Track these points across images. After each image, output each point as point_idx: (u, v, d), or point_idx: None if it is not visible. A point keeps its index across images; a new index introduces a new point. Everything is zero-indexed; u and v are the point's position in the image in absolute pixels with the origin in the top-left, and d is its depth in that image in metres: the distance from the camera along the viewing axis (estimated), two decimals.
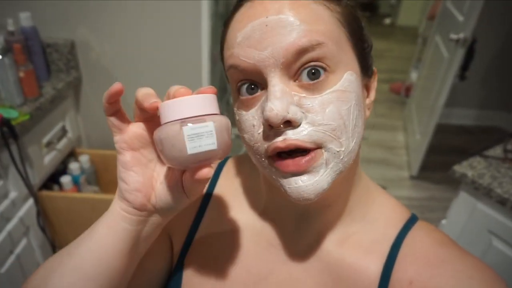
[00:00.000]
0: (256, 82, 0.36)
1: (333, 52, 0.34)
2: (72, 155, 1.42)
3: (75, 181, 1.33)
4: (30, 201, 1.14)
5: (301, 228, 0.45)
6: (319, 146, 0.34)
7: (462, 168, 1.12)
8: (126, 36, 1.32)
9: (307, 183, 0.34)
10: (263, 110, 0.34)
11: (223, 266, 0.47)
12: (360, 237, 0.44)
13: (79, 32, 1.30)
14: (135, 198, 0.35)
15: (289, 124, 0.34)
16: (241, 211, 0.49)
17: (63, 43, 1.29)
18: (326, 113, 0.34)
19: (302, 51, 0.33)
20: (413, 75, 3.26)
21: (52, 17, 1.27)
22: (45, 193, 1.21)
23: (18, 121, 1.01)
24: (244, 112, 0.37)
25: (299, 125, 0.34)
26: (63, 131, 1.33)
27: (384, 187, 0.49)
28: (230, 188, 0.51)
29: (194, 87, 1.27)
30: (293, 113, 0.33)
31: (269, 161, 0.36)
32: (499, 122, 3.11)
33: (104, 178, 1.46)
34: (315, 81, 0.34)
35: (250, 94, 0.36)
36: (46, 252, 1.22)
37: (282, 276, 0.45)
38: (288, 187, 0.35)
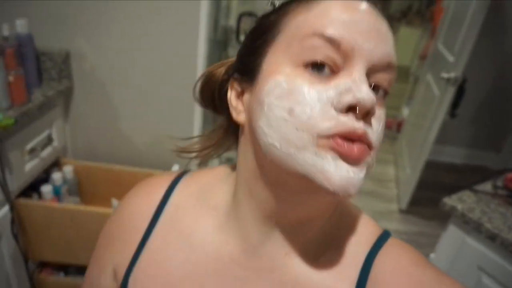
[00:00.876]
0: (330, 63, 0.33)
1: (394, 80, 0.37)
2: (56, 164, 1.38)
3: (56, 192, 1.29)
4: (6, 208, 1.09)
5: (268, 244, 0.41)
6: (371, 148, 0.34)
7: (452, 201, 1.10)
8: (121, 49, 1.32)
9: (356, 176, 0.33)
10: (341, 92, 0.33)
11: (173, 283, 0.43)
12: (329, 260, 0.41)
13: (75, 42, 1.30)
14: None
15: (368, 116, 0.33)
16: (201, 227, 0.45)
17: (57, 52, 1.28)
18: (380, 125, 0.35)
19: (388, 67, 0.35)
20: (405, 112, 3.32)
21: (49, 26, 1.27)
22: (22, 201, 1.16)
23: (1, 125, 0.98)
24: (307, 85, 0.33)
25: (370, 122, 0.34)
26: (49, 139, 1.29)
27: None
28: (186, 204, 0.47)
29: (187, 102, 1.28)
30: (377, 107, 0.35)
31: (321, 142, 0.32)
32: (487, 162, 3.15)
33: (86, 190, 1.41)
34: (377, 95, 0.36)
35: (318, 72, 0.33)
36: (16, 262, 1.15)
37: None
38: (339, 174, 0.32)
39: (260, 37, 0.39)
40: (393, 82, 0.37)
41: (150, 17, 1.28)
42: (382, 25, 0.35)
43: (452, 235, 1.13)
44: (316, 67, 0.33)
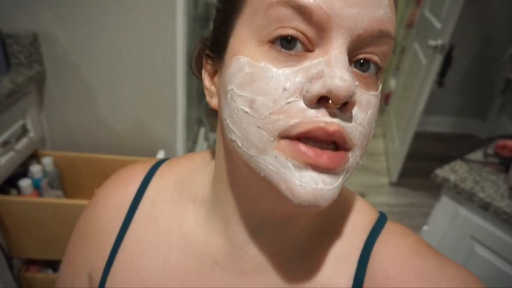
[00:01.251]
0: (303, 37, 0.27)
1: (390, 52, 0.30)
2: (34, 157, 1.31)
3: (36, 185, 1.23)
4: None
5: (253, 243, 0.37)
6: (350, 148, 0.28)
7: (444, 172, 1.09)
8: (95, 28, 1.23)
9: (328, 187, 0.27)
10: (312, 77, 0.26)
11: (152, 285, 0.39)
12: (323, 254, 0.37)
13: (43, 22, 1.21)
14: None
15: (345, 107, 0.27)
16: (177, 224, 0.40)
17: (24, 34, 1.19)
18: (368, 115, 0.29)
19: (379, 35, 0.28)
20: (392, 83, 3.29)
21: (13, 6, 1.18)
22: (0, 197, 1.10)
23: None
24: (273, 68, 0.27)
25: (350, 114, 0.28)
26: (24, 130, 1.22)
27: (363, 194, 0.43)
28: (163, 198, 0.42)
29: (168, 82, 1.20)
30: (356, 96, 0.27)
31: (282, 144, 0.27)
32: (474, 130, 3.17)
33: (68, 182, 1.35)
34: (367, 73, 0.29)
35: (287, 48, 0.27)
36: (0, 260, 1.11)
37: None
38: (304, 184, 0.27)
39: (229, 2, 0.32)
40: (389, 54, 0.30)
41: None
42: None
43: (444, 206, 1.12)
44: (285, 42, 0.27)
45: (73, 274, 0.44)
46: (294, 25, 0.27)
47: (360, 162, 0.30)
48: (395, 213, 2.22)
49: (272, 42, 0.28)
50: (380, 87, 0.31)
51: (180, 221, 0.41)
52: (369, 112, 0.29)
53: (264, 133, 0.27)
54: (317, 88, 0.26)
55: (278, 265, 0.37)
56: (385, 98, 3.37)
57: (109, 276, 0.40)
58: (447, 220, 1.12)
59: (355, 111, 0.28)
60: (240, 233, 0.37)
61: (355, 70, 0.29)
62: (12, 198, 1.12)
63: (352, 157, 0.29)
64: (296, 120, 0.26)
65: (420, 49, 2.38)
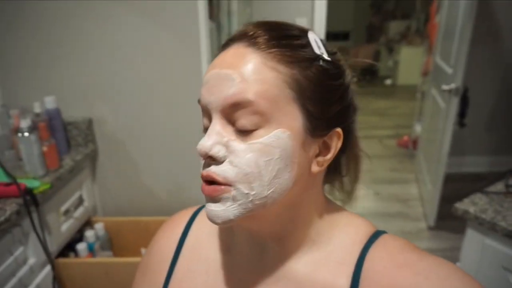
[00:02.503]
0: (210, 120, 0.43)
1: (263, 111, 0.39)
2: (88, 223, 1.49)
3: (90, 248, 1.38)
4: (47, 268, 1.18)
5: (265, 259, 0.48)
6: (229, 183, 0.40)
7: (464, 205, 1.13)
8: (136, 110, 1.47)
9: (215, 209, 0.41)
10: None
11: None
12: (326, 262, 0.46)
13: (96, 109, 1.46)
14: None
15: (213, 159, 0.40)
16: (212, 251, 0.52)
17: (81, 121, 1.44)
18: (244, 159, 0.39)
19: (235, 105, 0.39)
20: (418, 128, 3.34)
21: (72, 99, 1.44)
22: (61, 260, 1.25)
23: (40, 190, 1.11)
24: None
25: (222, 162, 0.40)
26: (80, 200, 1.41)
27: None
28: (202, 232, 0.55)
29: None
30: (215, 151, 0.40)
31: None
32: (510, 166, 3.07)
33: (117, 243, 1.50)
34: (244, 130, 0.40)
35: (206, 124, 0.44)
36: None
37: None
38: (206, 208, 0.42)
39: None
40: (257, 111, 0.39)
41: (158, 79, 1.43)
42: (225, 70, 0.40)
43: (471, 239, 1.14)
44: (204, 118, 0.44)
45: None
46: (205, 116, 0.44)
47: (260, 192, 0.41)
48: None
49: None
50: (270, 134, 0.40)
51: (213, 249, 0.53)
52: (246, 156, 0.40)
53: None
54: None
55: (290, 272, 0.47)
56: (413, 144, 3.40)
57: None
58: (477, 253, 1.13)
59: (229, 158, 0.40)
60: (252, 252, 0.49)
61: (238, 129, 0.40)
62: (71, 260, 1.28)
63: (236, 189, 0.40)
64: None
65: (438, 94, 2.47)
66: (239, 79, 0.39)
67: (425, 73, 3.20)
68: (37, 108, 1.27)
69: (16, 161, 1.25)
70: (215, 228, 0.54)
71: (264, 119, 0.40)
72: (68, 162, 1.33)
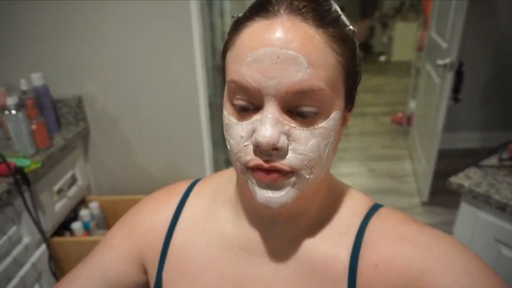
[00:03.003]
0: (251, 103, 0.38)
1: (327, 97, 0.38)
2: (82, 202, 1.47)
3: (86, 227, 1.38)
4: (43, 247, 1.18)
5: (271, 233, 0.48)
6: (293, 171, 0.39)
7: (458, 179, 1.14)
8: (127, 88, 1.43)
9: (274, 196, 0.39)
10: (254, 129, 0.38)
11: (197, 275, 0.50)
12: (328, 234, 0.47)
13: (86, 87, 1.42)
14: None
15: (276, 149, 0.37)
16: (213, 223, 0.52)
17: (71, 98, 1.40)
18: (308, 145, 0.38)
19: (303, 92, 0.36)
20: (412, 105, 3.33)
21: (61, 76, 1.40)
22: (57, 239, 1.25)
23: (30, 168, 1.09)
24: (235, 121, 0.40)
25: (285, 151, 0.38)
26: (73, 179, 1.40)
27: None
28: (202, 204, 0.54)
29: (194, 127, 1.37)
30: (282, 142, 0.37)
31: (248, 170, 0.40)
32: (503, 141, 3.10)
33: (113, 222, 1.48)
34: (305, 119, 0.38)
35: (243, 110, 0.39)
36: None
37: (255, 279, 0.48)
38: (259, 195, 0.40)
39: (222, 72, 0.44)
40: (323, 99, 0.37)
41: (149, 56, 1.39)
42: (289, 51, 0.35)
43: (464, 212, 1.15)
44: (238, 103, 0.39)
45: (116, 256, 0.54)
46: (241, 96, 0.38)
47: (317, 175, 0.41)
48: None
49: (234, 104, 0.40)
50: (329, 118, 0.39)
51: (213, 221, 0.52)
52: (310, 142, 0.38)
53: (238, 163, 0.41)
54: (253, 140, 0.38)
55: (292, 246, 0.47)
56: (407, 120, 3.40)
57: (164, 268, 0.51)
58: (470, 226, 1.14)
59: (293, 145, 0.38)
60: (260, 225, 0.48)
61: (297, 116, 0.38)
62: (67, 239, 1.27)
63: (297, 175, 0.39)
64: (248, 158, 0.39)
65: (432, 69, 2.46)
66: (306, 64, 0.36)
67: (420, 49, 3.17)
68: (24, 85, 1.23)
69: (4, 140, 1.22)
70: (215, 202, 0.53)
71: (325, 106, 0.38)
72: (59, 140, 1.30)
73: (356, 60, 0.42)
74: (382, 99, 4.47)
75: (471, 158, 3.24)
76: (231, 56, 0.40)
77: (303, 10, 0.37)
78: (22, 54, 1.37)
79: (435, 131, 2.25)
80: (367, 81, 5.14)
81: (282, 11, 0.37)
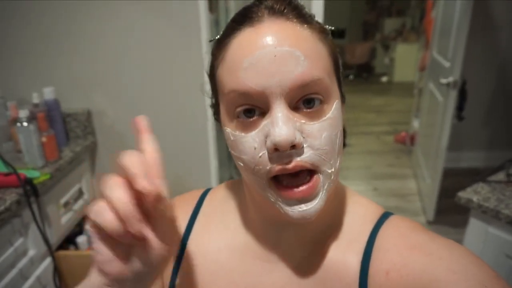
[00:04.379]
0: (256, 107, 0.38)
1: (327, 85, 0.38)
2: (88, 216, 1.47)
3: (91, 241, 1.37)
4: (48, 260, 1.17)
5: (283, 241, 0.48)
6: (316, 168, 0.38)
7: (467, 194, 1.13)
8: (135, 102, 1.45)
9: (309, 207, 0.38)
10: (266, 135, 0.37)
11: (209, 283, 0.49)
12: (339, 239, 0.46)
13: (95, 101, 1.44)
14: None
15: (294, 147, 0.37)
16: (225, 231, 0.52)
17: (81, 112, 1.42)
18: (322, 138, 0.38)
19: (305, 85, 0.37)
20: (415, 124, 3.35)
21: (71, 90, 1.42)
22: (62, 252, 1.24)
23: (39, 180, 1.09)
24: (243, 134, 0.39)
25: (301, 148, 0.37)
26: (80, 193, 1.40)
27: None
28: (214, 212, 0.54)
29: (201, 141, 1.37)
30: (298, 138, 0.37)
31: (270, 183, 0.39)
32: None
33: None
34: (312, 109, 0.38)
35: (248, 117, 0.38)
36: None
37: (267, 285, 0.47)
38: (292, 212, 0.39)
39: (213, 89, 0.44)
40: (324, 87, 0.38)
41: (159, 73, 1.41)
42: (284, 47, 0.36)
43: (474, 228, 1.14)
44: (247, 112, 0.38)
45: None
46: (245, 103, 0.38)
47: (335, 169, 0.40)
48: None
49: (238, 117, 0.39)
50: (333, 108, 0.40)
51: (225, 228, 0.52)
52: (323, 135, 0.38)
53: (258, 178, 0.40)
54: (269, 144, 0.37)
55: (304, 252, 0.47)
56: (411, 140, 3.41)
57: (178, 275, 0.51)
58: (479, 241, 1.13)
59: (308, 142, 0.37)
60: (272, 232, 0.48)
61: (303, 109, 0.38)
62: (72, 253, 1.26)
63: (322, 174, 0.39)
64: (268, 167, 0.38)
65: (435, 88, 2.48)
66: (303, 57, 0.37)
67: (421, 69, 3.21)
68: (36, 99, 1.25)
69: (15, 153, 1.23)
70: (227, 208, 0.54)
71: (327, 95, 0.39)
72: (67, 153, 1.31)
73: (337, 50, 0.43)
74: (385, 118, 4.50)
75: (476, 177, 3.20)
76: (223, 70, 0.39)
77: (284, 12, 0.39)
78: (34, 69, 1.40)
79: (440, 149, 2.25)
80: (370, 101, 5.19)
81: (265, 16, 0.39)
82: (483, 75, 2.88)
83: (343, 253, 0.45)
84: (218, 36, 0.42)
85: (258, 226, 0.49)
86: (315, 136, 0.38)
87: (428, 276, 0.38)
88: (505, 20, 2.77)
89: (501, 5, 2.73)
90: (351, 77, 6.41)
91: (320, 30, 0.41)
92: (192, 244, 0.53)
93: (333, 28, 0.44)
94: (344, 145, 0.44)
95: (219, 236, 0.52)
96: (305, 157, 0.38)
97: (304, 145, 0.37)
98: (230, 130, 0.40)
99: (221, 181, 1.65)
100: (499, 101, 2.98)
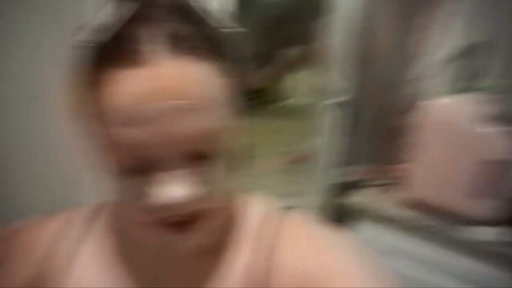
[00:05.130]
0: (146, 161, 0.34)
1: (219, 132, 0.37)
2: None
3: None
4: None
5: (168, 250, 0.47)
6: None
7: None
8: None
9: None
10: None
11: None
12: (223, 251, 0.46)
13: None
14: None
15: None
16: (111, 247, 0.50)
17: None
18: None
19: (202, 137, 0.34)
20: (311, 144, 3.55)
21: None
22: None
23: None
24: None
25: None
26: None
27: None
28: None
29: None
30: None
31: None
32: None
33: None
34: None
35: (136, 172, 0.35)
36: None
37: None
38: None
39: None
40: (219, 132, 0.37)
41: None
42: (177, 100, 0.32)
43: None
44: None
45: None
46: (132, 159, 0.35)
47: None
48: None
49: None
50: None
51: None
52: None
53: None
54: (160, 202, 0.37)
55: (193, 260, 0.45)
56: (306, 158, 3.60)
57: None
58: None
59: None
60: (157, 245, 0.47)
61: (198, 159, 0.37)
62: None
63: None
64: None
65: (328, 108, 2.68)
66: (199, 107, 0.33)
67: (317, 92, 3.44)
68: None
69: None
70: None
71: (223, 135, 0.39)
72: None
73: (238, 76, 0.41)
74: (280, 140, 4.71)
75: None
76: (104, 114, 0.33)
77: (176, 46, 0.33)
78: None
79: (329, 165, 2.41)
80: (264, 125, 5.38)
81: (154, 54, 0.32)
82: (370, 95, 3.15)
83: (227, 265, 0.45)
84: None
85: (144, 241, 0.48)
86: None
87: (314, 273, 0.41)
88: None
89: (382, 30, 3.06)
90: (251, 102, 6.61)
91: (219, 54, 0.36)
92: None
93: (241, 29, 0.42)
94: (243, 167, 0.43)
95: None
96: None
97: None
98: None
99: None
100: (381, 118, 3.27)
